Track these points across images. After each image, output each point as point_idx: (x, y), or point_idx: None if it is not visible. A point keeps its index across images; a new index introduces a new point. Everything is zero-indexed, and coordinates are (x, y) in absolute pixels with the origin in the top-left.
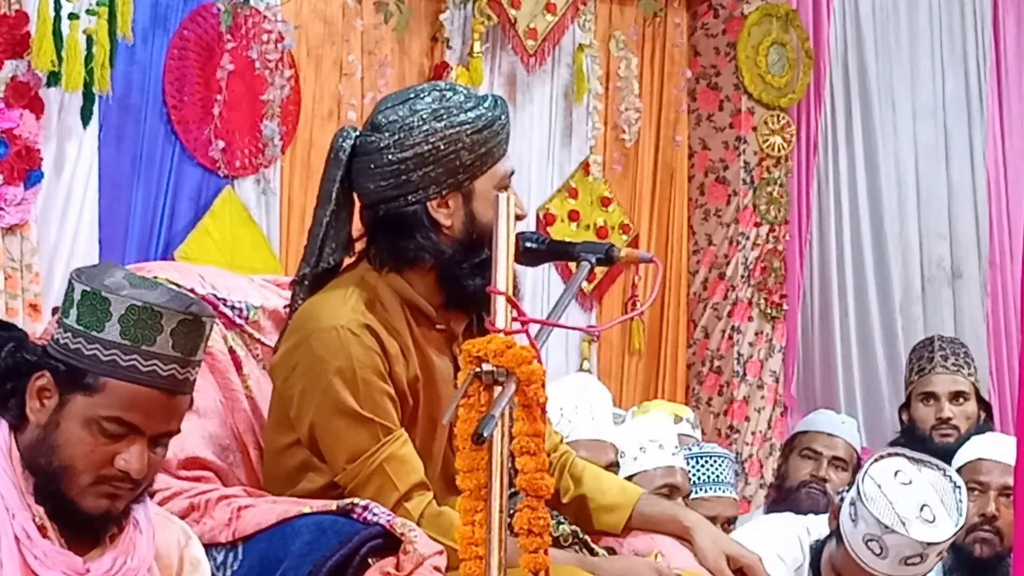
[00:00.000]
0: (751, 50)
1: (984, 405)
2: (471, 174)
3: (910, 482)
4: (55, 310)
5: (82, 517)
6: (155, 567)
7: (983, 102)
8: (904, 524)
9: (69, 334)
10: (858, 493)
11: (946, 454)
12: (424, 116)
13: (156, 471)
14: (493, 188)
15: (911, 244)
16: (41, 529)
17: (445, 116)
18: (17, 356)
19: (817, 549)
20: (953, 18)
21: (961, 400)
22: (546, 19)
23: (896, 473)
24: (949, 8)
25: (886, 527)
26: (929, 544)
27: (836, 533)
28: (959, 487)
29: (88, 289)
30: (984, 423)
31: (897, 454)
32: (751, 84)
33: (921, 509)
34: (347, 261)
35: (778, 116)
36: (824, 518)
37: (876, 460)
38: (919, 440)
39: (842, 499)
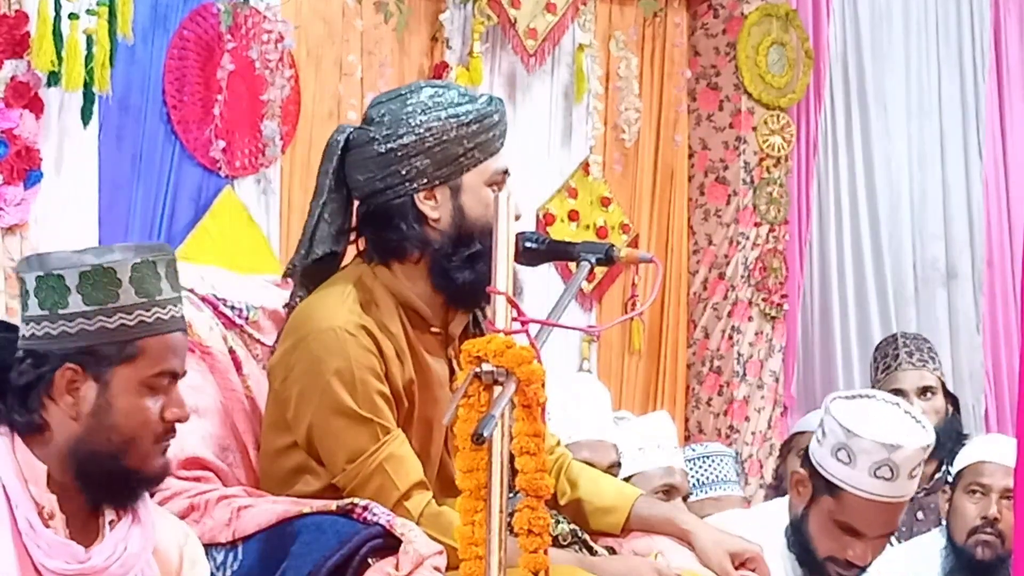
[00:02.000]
0: (751, 50)
1: (951, 399)
2: (459, 168)
3: (867, 412)
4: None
5: (143, 483)
6: (154, 561)
7: (979, 102)
8: (899, 440)
9: (63, 321)
10: (845, 434)
11: None
12: (415, 110)
13: None
14: (484, 184)
15: (905, 244)
16: (49, 517)
17: (435, 109)
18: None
19: (796, 524)
20: (949, 18)
21: (929, 395)
22: (546, 19)
23: (851, 411)
24: (945, 9)
25: (893, 446)
26: (927, 447)
27: (825, 489)
28: (896, 402)
29: (94, 267)
30: (952, 416)
31: (834, 399)
32: (751, 84)
33: (895, 425)
34: (346, 260)
35: (778, 116)
36: (768, 504)
37: (829, 409)
38: None
39: (800, 472)
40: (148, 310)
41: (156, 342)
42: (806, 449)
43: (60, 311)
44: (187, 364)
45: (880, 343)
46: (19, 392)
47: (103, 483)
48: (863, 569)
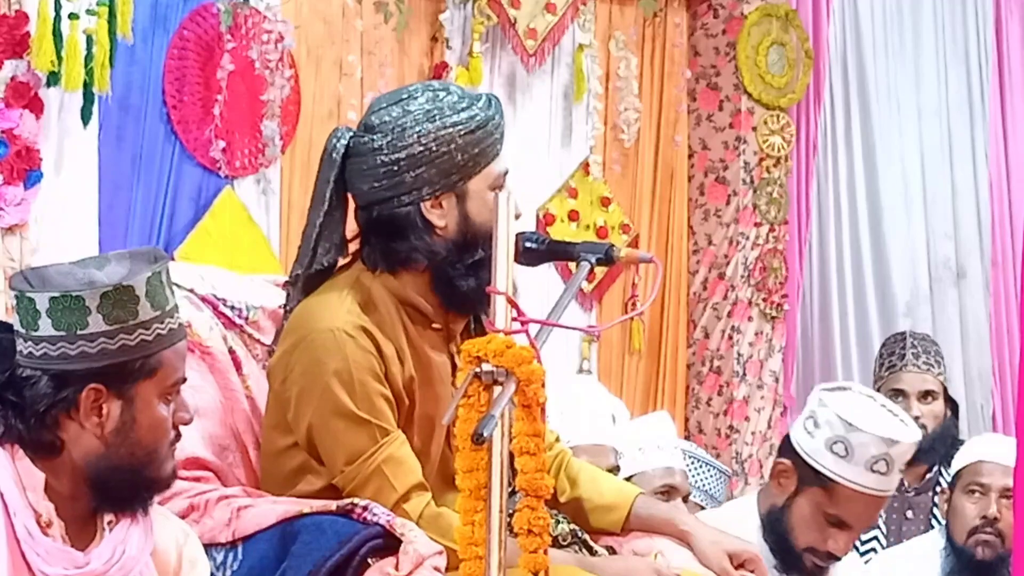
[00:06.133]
0: (751, 50)
1: (951, 403)
2: (465, 174)
3: (860, 407)
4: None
5: (158, 490)
6: (151, 562)
7: (985, 101)
8: (896, 435)
9: (82, 342)
10: (845, 427)
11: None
12: (417, 117)
13: None
14: (487, 188)
15: (918, 244)
16: (47, 525)
17: (438, 117)
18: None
19: (775, 514)
20: (955, 17)
21: (929, 399)
22: (546, 19)
23: (845, 404)
24: (951, 7)
25: (892, 441)
26: (917, 442)
27: (815, 481)
28: (871, 395)
29: (115, 287)
30: (949, 421)
31: (823, 391)
32: (751, 84)
33: (888, 420)
34: (341, 262)
35: (778, 116)
36: (738, 500)
37: (824, 401)
38: None
39: (784, 462)
40: (162, 322)
41: (171, 353)
42: (787, 438)
43: (80, 331)
44: (187, 364)
45: (888, 339)
46: (36, 413)
47: (118, 494)
48: (838, 558)
